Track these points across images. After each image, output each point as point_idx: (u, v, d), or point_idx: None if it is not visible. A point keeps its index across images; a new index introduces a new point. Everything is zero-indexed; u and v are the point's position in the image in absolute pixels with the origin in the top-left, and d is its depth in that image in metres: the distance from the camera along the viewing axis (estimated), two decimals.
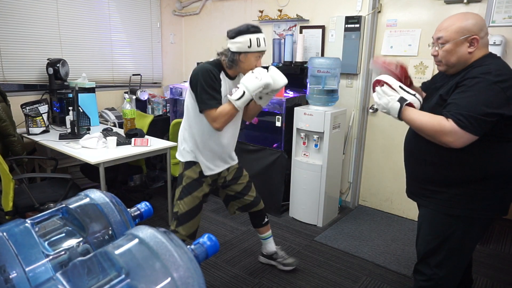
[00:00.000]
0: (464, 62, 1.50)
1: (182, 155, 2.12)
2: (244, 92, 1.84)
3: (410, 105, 1.54)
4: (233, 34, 1.90)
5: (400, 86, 1.59)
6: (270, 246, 2.51)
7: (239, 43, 1.88)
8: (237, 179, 2.27)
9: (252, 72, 1.88)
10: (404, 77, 1.70)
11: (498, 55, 2.48)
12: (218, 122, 1.90)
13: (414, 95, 1.57)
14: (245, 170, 2.34)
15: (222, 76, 1.98)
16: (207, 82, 1.88)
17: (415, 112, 1.52)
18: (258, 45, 1.90)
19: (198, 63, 4.13)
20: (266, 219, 2.44)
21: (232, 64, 1.95)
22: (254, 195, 2.34)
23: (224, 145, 2.10)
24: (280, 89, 1.99)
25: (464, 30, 1.46)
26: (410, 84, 1.74)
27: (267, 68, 1.97)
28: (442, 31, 1.51)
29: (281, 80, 1.95)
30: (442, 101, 1.50)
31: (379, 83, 1.63)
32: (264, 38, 1.94)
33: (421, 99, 1.58)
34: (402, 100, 1.54)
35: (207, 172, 2.10)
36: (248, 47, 1.88)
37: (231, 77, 2.03)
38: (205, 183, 2.12)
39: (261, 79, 1.84)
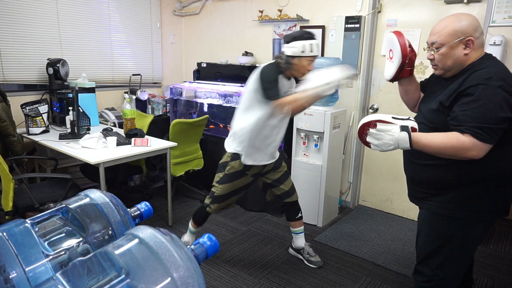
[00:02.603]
0: (460, 64, 1.47)
1: (230, 146, 2.31)
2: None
3: (413, 129, 1.46)
4: (289, 39, 2.09)
5: (392, 117, 1.50)
6: (300, 241, 2.64)
7: (294, 48, 2.06)
8: (276, 168, 2.45)
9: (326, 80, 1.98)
10: (411, 63, 1.66)
11: (499, 55, 2.52)
12: (288, 107, 2.03)
13: (408, 118, 1.49)
14: (284, 162, 2.50)
15: (280, 76, 2.17)
16: (273, 77, 2.10)
17: (425, 136, 1.45)
18: (311, 51, 2.07)
19: (198, 63, 4.18)
20: (300, 214, 2.57)
21: (287, 66, 2.13)
22: (290, 185, 2.49)
23: (270, 141, 2.28)
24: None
25: (458, 32, 1.43)
26: (410, 74, 1.70)
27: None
28: (436, 35, 1.48)
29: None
30: (443, 108, 1.47)
31: (369, 125, 1.49)
32: (317, 44, 2.11)
33: (414, 120, 1.52)
34: (404, 128, 1.45)
35: (248, 162, 2.27)
36: (302, 52, 2.06)
37: (287, 78, 2.22)
38: (249, 174, 2.33)
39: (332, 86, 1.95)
